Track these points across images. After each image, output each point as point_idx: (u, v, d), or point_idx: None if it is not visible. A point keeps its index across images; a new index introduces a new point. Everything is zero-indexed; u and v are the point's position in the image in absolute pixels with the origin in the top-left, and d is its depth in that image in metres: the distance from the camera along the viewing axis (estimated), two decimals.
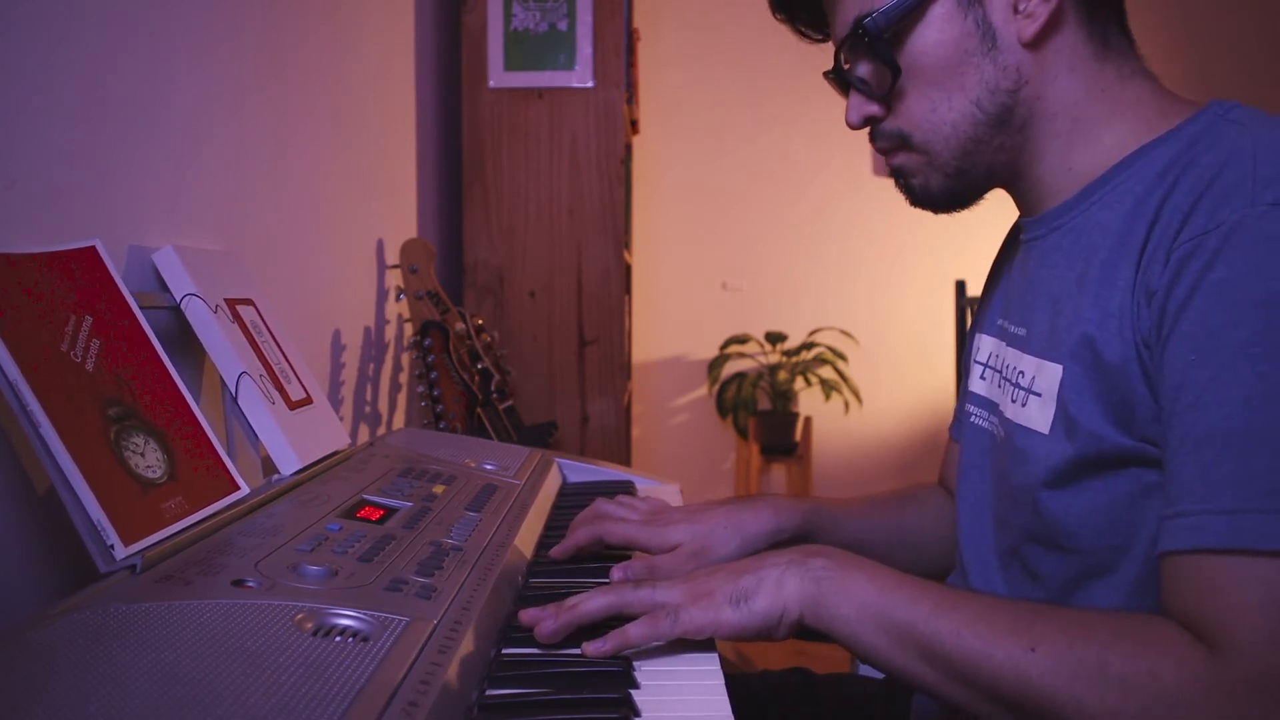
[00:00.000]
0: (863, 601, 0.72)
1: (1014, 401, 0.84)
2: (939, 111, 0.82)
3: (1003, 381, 0.88)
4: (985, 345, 0.95)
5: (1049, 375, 0.79)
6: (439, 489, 0.98)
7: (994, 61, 0.80)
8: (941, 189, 0.85)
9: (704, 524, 0.95)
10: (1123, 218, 0.76)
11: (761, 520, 0.96)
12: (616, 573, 0.86)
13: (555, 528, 1.07)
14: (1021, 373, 0.83)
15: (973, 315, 1.07)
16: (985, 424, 0.91)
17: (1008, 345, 0.88)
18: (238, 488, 0.85)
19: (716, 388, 3.72)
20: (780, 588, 0.73)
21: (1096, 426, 0.74)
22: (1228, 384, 0.64)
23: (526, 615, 0.74)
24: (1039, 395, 0.80)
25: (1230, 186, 0.67)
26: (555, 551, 0.94)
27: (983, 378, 0.94)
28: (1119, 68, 0.82)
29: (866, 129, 0.86)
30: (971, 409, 0.95)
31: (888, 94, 0.83)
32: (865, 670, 1.10)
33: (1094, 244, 0.79)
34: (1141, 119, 0.81)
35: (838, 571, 0.74)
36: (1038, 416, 0.79)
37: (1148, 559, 0.74)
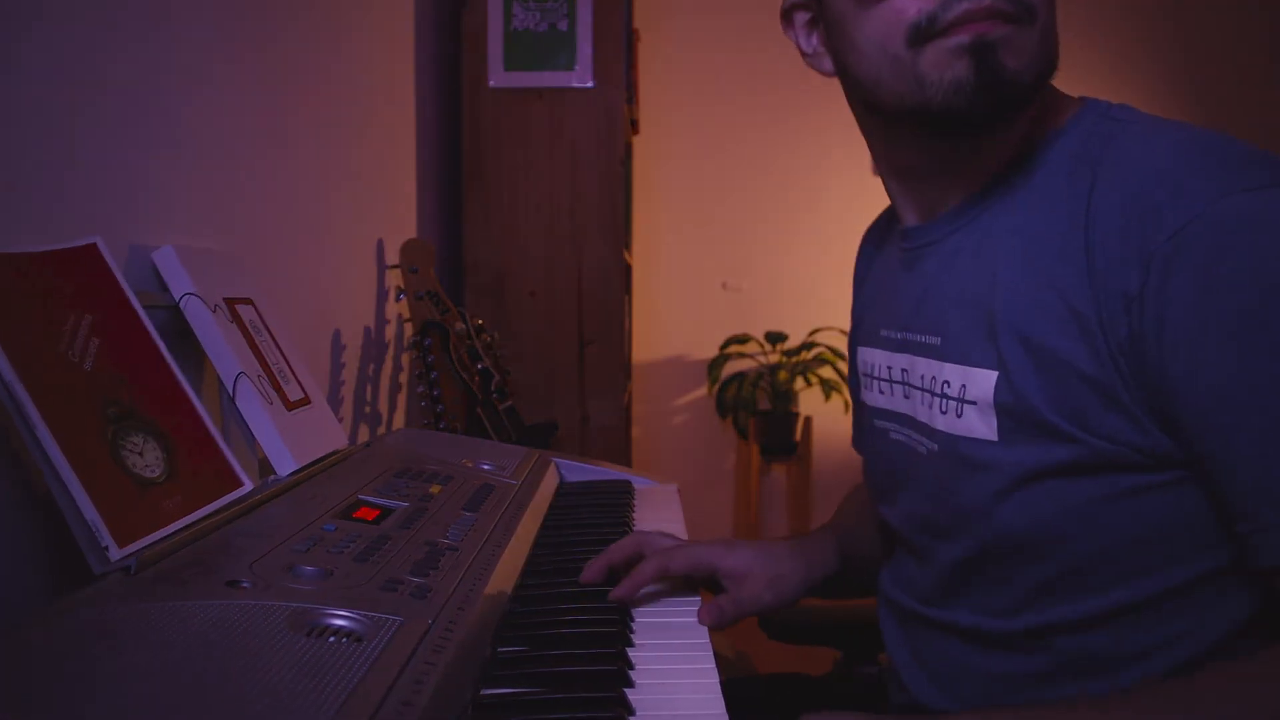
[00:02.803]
0: None
1: (944, 413, 0.80)
2: (1052, 6, 0.74)
3: (916, 392, 0.85)
4: (873, 358, 0.93)
5: (980, 382, 0.76)
6: (435, 489, 0.99)
7: None
8: (1031, 84, 0.73)
9: (765, 549, 0.96)
10: (1041, 220, 0.74)
11: (809, 555, 0.98)
12: (706, 615, 0.85)
13: (552, 528, 1.07)
14: (947, 383, 0.80)
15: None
16: (904, 439, 0.87)
17: (917, 356, 0.85)
18: (241, 484, 0.85)
19: (716, 388, 3.71)
20: None
21: (1051, 430, 0.72)
22: (1264, 378, 0.63)
23: None
24: (974, 404, 0.77)
25: (1182, 181, 0.67)
26: (585, 576, 0.89)
27: (881, 391, 0.91)
28: None
29: None
30: (882, 423, 0.91)
31: None
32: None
33: (1011, 246, 0.76)
34: (1030, 116, 0.79)
35: None
36: (980, 425, 0.76)
37: (1126, 564, 0.73)
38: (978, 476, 0.77)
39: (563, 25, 2.33)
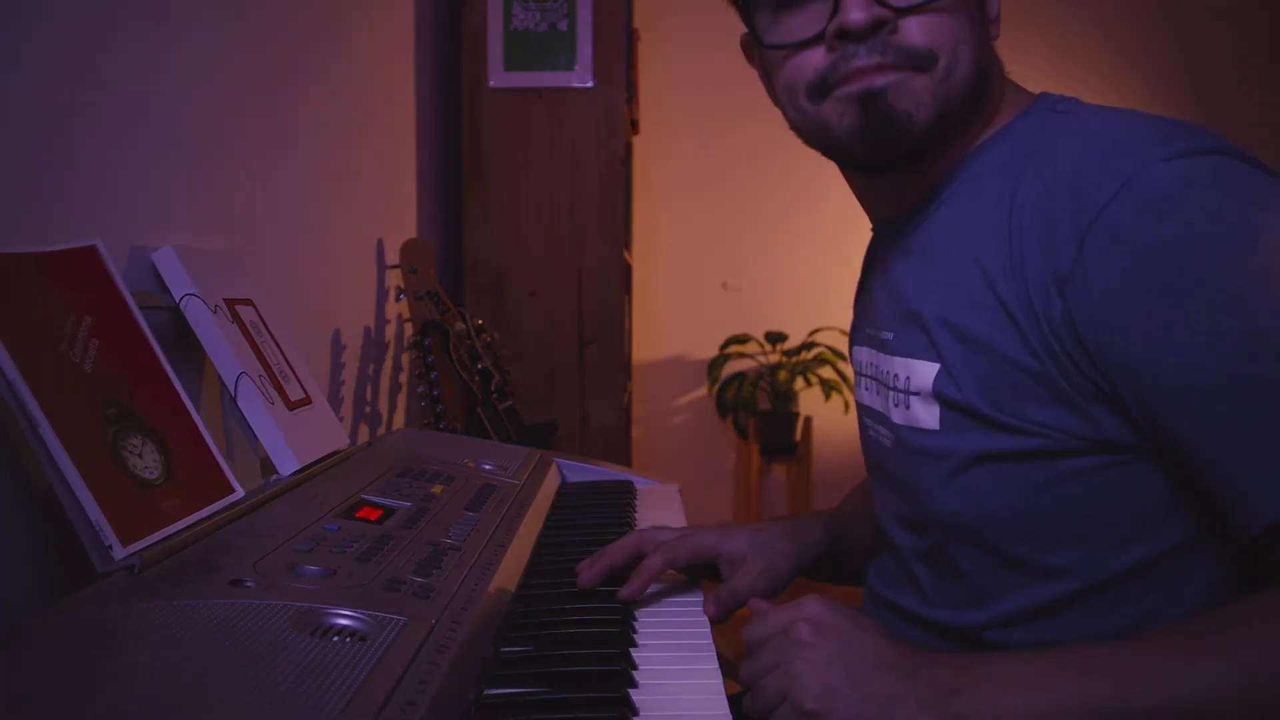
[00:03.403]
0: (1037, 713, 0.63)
1: (897, 406, 0.83)
2: (963, 45, 0.77)
3: (881, 389, 0.87)
4: (860, 356, 0.95)
5: (922, 373, 0.79)
6: (438, 489, 0.98)
7: (985, 19, 0.81)
8: (927, 123, 0.77)
9: (758, 533, 0.96)
10: (974, 214, 0.77)
11: (800, 536, 0.99)
12: (711, 607, 0.86)
13: (554, 528, 1.07)
14: (896, 375, 0.83)
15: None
16: (876, 434, 0.90)
17: (878, 351, 0.88)
18: (233, 490, 0.84)
19: (716, 388, 3.71)
20: None
21: (989, 420, 0.73)
22: (1205, 338, 0.63)
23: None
24: (917, 394, 0.79)
25: (1110, 157, 0.68)
26: (584, 579, 0.87)
27: (865, 388, 0.93)
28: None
29: (847, 34, 0.75)
30: (864, 419, 0.94)
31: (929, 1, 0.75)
32: None
33: (948, 244, 0.79)
34: (986, 116, 0.81)
35: (984, 702, 0.63)
36: (924, 415, 0.79)
37: (1080, 546, 0.73)
38: (926, 466, 0.79)
39: (563, 25, 2.33)
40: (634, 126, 2.73)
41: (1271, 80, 3.66)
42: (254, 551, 0.71)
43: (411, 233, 2.13)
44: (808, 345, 3.63)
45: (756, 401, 3.64)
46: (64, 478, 0.67)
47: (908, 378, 0.81)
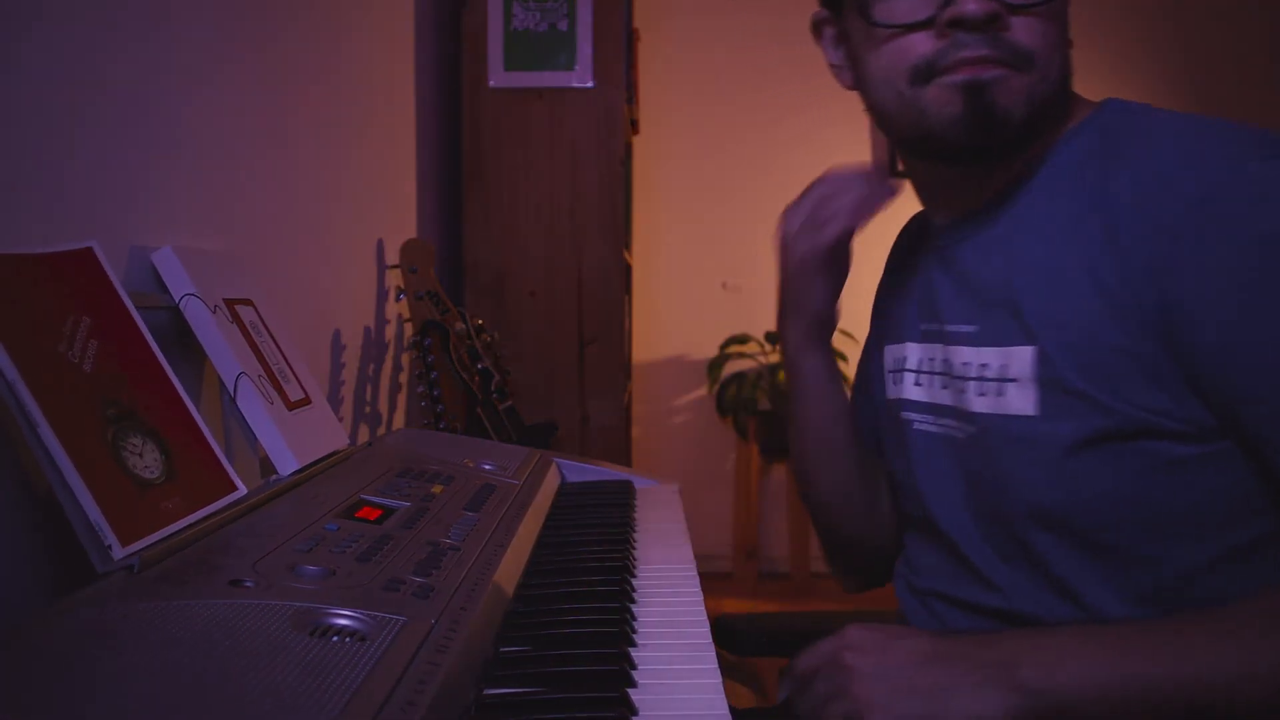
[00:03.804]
0: (1100, 688, 0.67)
1: (982, 395, 0.84)
2: (1057, 50, 0.81)
3: (950, 381, 0.88)
4: (905, 353, 0.96)
5: (1020, 359, 0.80)
6: (437, 489, 0.98)
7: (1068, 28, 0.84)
8: (1022, 121, 0.80)
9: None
10: (1063, 204, 0.80)
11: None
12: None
13: (554, 528, 1.07)
14: (984, 365, 0.84)
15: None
16: (935, 428, 0.91)
17: (954, 345, 0.88)
18: (235, 488, 0.85)
19: (716, 388, 3.71)
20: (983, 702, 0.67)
21: (1089, 399, 0.75)
22: None
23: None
24: (1014, 381, 0.80)
25: (1206, 154, 0.72)
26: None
27: (918, 384, 0.94)
28: None
29: (962, 23, 0.77)
30: (909, 414, 0.95)
31: (1044, 4, 0.78)
32: None
33: (1036, 233, 0.81)
34: (1061, 115, 0.84)
35: (1044, 670, 0.67)
36: (1020, 402, 0.80)
37: (1172, 536, 0.75)
38: (1020, 453, 0.80)
39: (563, 25, 2.33)
40: (634, 126, 2.73)
41: (1271, 80, 3.65)
42: (254, 551, 0.71)
43: (411, 233, 2.13)
44: None
45: (756, 401, 3.64)
46: (63, 478, 0.67)
47: (1001, 365, 0.82)
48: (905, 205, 1.00)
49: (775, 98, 3.72)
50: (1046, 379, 0.78)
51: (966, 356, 0.86)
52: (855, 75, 0.89)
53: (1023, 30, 0.79)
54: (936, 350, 0.91)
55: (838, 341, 1.04)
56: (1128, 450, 0.75)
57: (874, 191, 0.92)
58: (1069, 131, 0.83)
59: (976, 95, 0.78)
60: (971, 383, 0.85)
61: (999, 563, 0.85)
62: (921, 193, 0.94)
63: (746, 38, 3.70)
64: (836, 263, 0.95)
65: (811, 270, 0.95)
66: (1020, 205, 0.84)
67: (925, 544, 0.94)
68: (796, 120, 3.70)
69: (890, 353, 0.99)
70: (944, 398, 0.89)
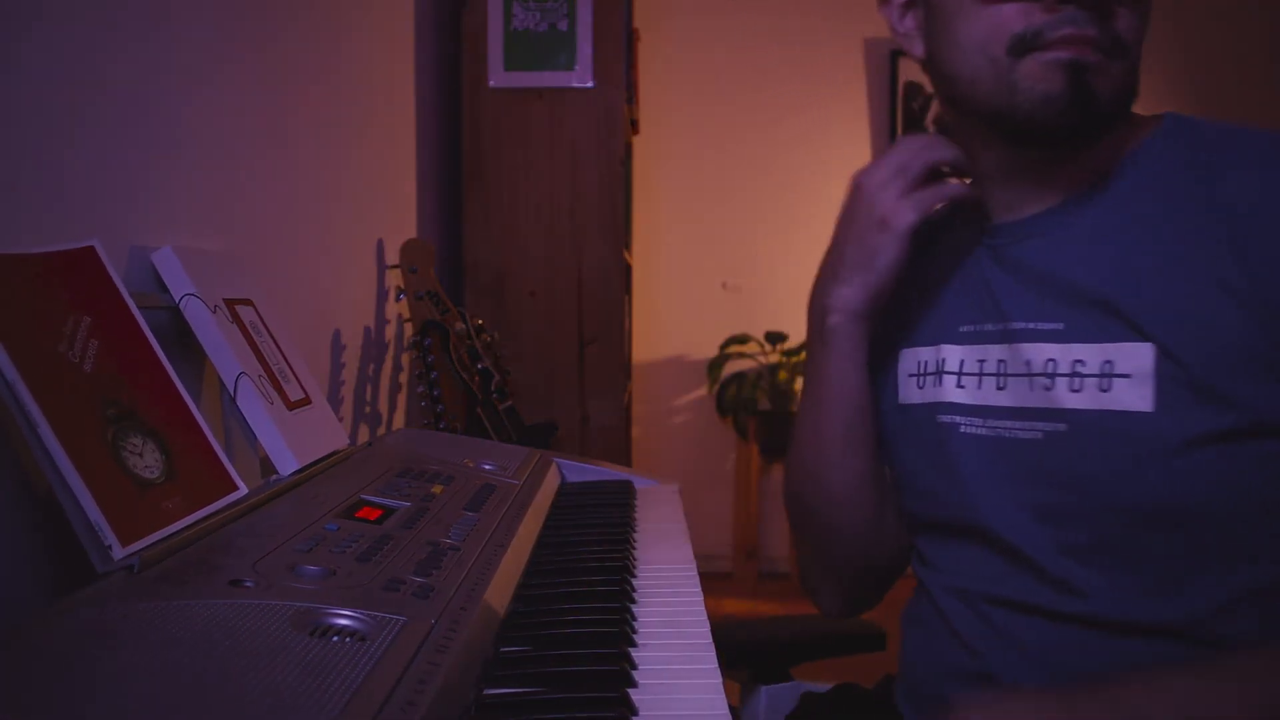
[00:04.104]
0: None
1: (1077, 391, 0.82)
2: (1139, 46, 0.81)
3: (1021, 380, 0.86)
4: (950, 354, 0.93)
5: (1131, 355, 0.79)
6: (437, 489, 0.98)
7: None
8: (1111, 110, 0.81)
9: None
10: (1162, 211, 0.81)
11: None
12: None
13: (554, 528, 1.07)
14: (1080, 361, 0.83)
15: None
16: (985, 430, 0.88)
17: (1023, 343, 0.86)
18: (236, 488, 0.85)
19: (716, 388, 3.71)
20: None
21: (1212, 395, 0.76)
22: None
23: None
24: (1126, 377, 0.79)
25: None
26: None
27: (960, 385, 0.92)
28: None
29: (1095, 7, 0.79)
30: (956, 418, 0.91)
31: None
32: None
33: (1137, 233, 0.81)
34: (1113, 135, 0.85)
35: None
36: (1131, 398, 0.79)
37: (1273, 534, 0.76)
38: (1125, 450, 0.79)
39: (563, 25, 2.33)
40: (634, 126, 2.73)
41: (1271, 80, 3.66)
42: (254, 551, 0.71)
43: (411, 233, 2.13)
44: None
45: (756, 401, 3.64)
46: (63, 478, 0.67)
47: (1104, 361, 0.81)
48: None
49: (775, 98, 3.72)
50: (1167, 375, 0.77)
51: (1051, 353, 0.84)
52: (931, 44, 0.87)
53: (1125, 20, 0.79)
54: (991, 350, 0.89)
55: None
56: (1244, 447, 0.75)
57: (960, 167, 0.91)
58: (1148, 139, 0.84)
59: (1078, 76, 0.77)
60: (1062, 379, 0.83)
61: (1076, 566, 0.83)
62: (986, 184, 0.91)
63: (746, 38, 3.70)
64: (912, 234, 0.91)
65: (894, 231, 0.89)
66: (1105, 207, 0.84)
67: (966, 548, 0.91)
68: (796, 120, 3.70)
69: (913, 356, 0.96)
70: (1004, 399, 0.87)
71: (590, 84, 2.34)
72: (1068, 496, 0.83)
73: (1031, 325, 0.87)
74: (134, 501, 0.72)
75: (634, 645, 0.76)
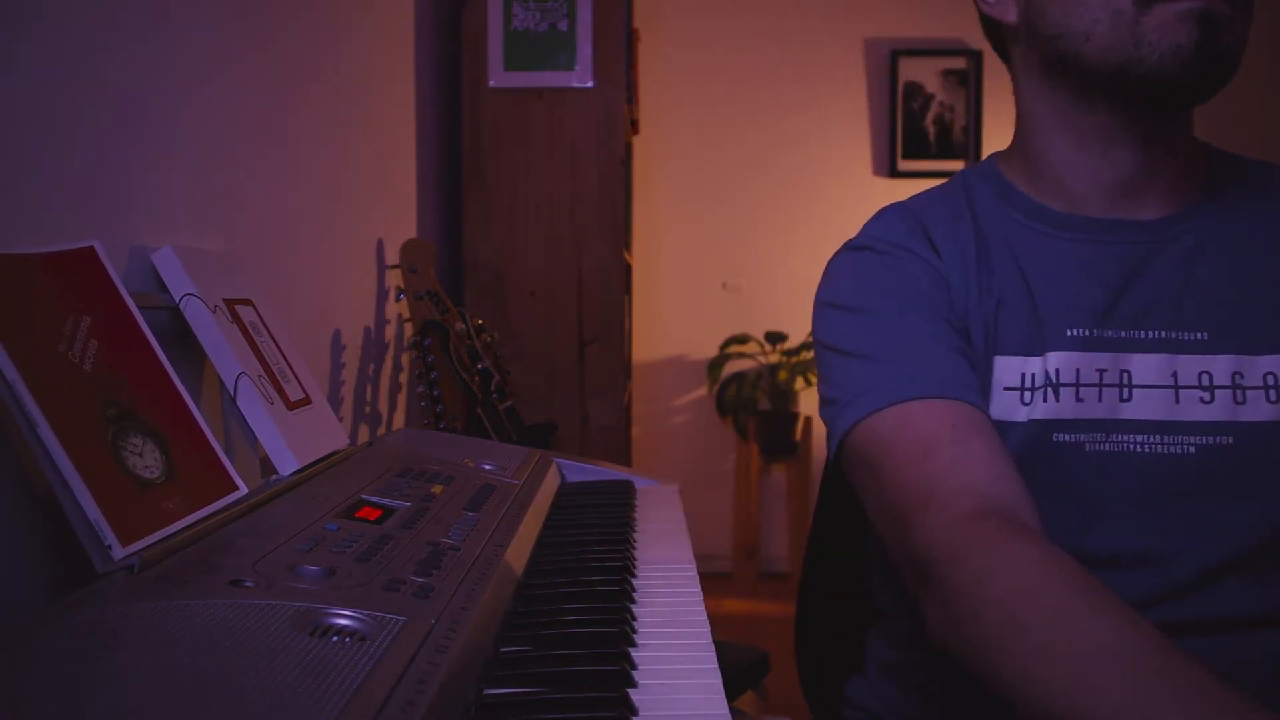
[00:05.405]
0: None
1: (1241, 403, 0.83)
2: (1254, 3, 0.80)
3: (1153, 391, 0.84)
4: (1060, 362, 0.85)
5: None
6: (437, 489, 0.98)
7: None
8: (1233, 67, 0.78)
9: None
10: (1251, 225, 0.86)
11: None
12: None
13: (554, 528, 1.07)
14: (1239, 374, 0.83)
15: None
16: (1108, 446, 0.83)
17: (1167, 353, 0.84)
18: (236, 488, 0.85)
19: (716, 388, 3.72)
20: None
21: None
22: None
23: None
24: None
25: None
26: None
27: (1080, 399, 0.85)
28: None
29: None
30: (1081, 436, 0.84)
31: None
32: None
33: (1252, 249, 0.85)
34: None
35: None
36: None
37: None
38: None
39: (563, 25, 2.33)
40: (634, 126, 2.73)
41: (1271, 80, 3.65)
42: (254, 551, 0.71)
43: (411, 233, 2.13)
44: (808, 345, 3.63)
45: (756, 401, 3.64)
46: (63, 478, 0.67)
47: (1269, 374, 0.83)
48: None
49: (775, 98, 3.72)
50: None
51: (1201, 365, 0.84)
52: (1029, 6, 0.84)
53: None
54: (1105, 358, 0.85)
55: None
56: None
57: None
58: (1219, 167, 0.89)
59: (1211, 27, 0.75)
60: (1221, 390, 0.83)
61: (1215, 580, 0.82)
62: (1073, 169, 0.87)
63: (746, 38, 3.70)
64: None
65: None
66: (1197, 223, 0.86)
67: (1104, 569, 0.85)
68: (796, 120, 3.70)
69: (1013, 366, 0.86)
70: (1134, 411, 0.84)
71: (590, 84, 2.34)
72: (1230, 507, 0.82)
73: (1180, 335, 0.84)
74: (134, 501, 0.72)
75: (634, 645, 0.76)
